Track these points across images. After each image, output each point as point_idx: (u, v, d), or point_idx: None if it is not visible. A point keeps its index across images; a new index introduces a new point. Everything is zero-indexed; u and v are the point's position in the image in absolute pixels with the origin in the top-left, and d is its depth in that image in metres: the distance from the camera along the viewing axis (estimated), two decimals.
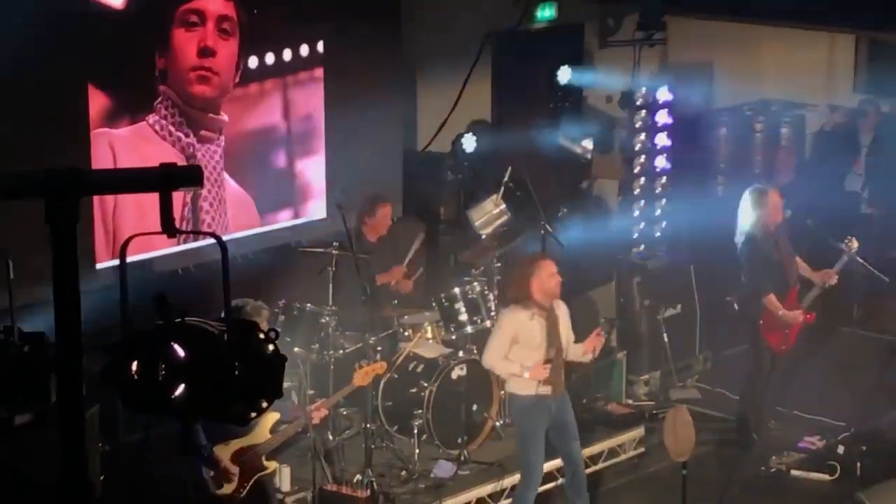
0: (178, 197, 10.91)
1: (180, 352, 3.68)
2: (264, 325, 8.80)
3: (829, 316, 12.21)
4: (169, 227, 3.79)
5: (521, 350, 9.69)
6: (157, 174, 3.79)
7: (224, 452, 9.00)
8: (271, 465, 9.23)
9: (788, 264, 11.31)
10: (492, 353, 9.86)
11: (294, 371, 10.35)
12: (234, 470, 9.03)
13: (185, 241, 11.27)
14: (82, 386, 3.74)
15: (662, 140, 13.68)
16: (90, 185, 3.90)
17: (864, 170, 14.77)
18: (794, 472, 11.10)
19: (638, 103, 13.50)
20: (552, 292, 9.75)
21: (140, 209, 10.75)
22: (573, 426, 9.98)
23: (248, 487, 9.10)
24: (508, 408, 10.76)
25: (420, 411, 10.75)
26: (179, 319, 3.74)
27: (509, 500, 10.44)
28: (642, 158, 13.63)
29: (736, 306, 11.56)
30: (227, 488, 9.05)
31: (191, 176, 3.87)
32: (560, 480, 10.42)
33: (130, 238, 3.86)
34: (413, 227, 13.00)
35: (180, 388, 3.68)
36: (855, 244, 11.42)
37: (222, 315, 3.80)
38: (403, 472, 10.66)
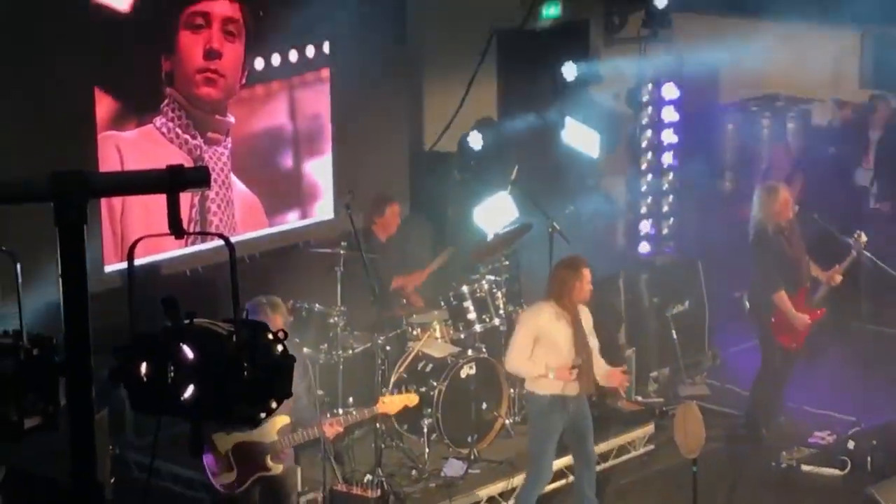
0: (186, 199, 10.88)
1: (189, 353, 3.68)
2: (282, 321, 8.81)
3: (837, 311, 12.20)
4: (177, 229, 3.79)
5: (542, 350, 9.63)
6: (165, 176, 3.79)
7: (225, 442, 8.97)
8: (276, 468, 9.15)
9: (800, 262, 11.27)
10: (515, 355, 9.79)
11: (304, 372, 10.34)
12: (230, 461, 9.00)
13: (193, 243, 11.29)
14: (91, 388, 3.75)
15: (669, 136, 13.69)
16: (97, 188, 3.90)
17: (873, 165, 14.74)
18: (804, 468, 11.08)
19: (644, 100, 13.50)
20: (585, 299, 9.76)
21: (148, 212, 10.77)
22: (590, 427, 9.95)
23: (247, 484, 9.05)
24: (525, 405, 10.69)
25: (430, 410, 10.75)
26: (188, 321, 3.74)
27: None
28: (649, 155, 13.64)
29: (747, 304, 11.54)
30: (226, 477, 9.02)
31: (198, 177, 3.87)
32: (570, 478, 10.41)
33: (138, 240, 3.86)
34: (423, 226, 13.03)
35: (189, 390, 3.68)
36: (864, 238, 11.40)
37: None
38: (414, 472, 10.65)
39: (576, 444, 10.00)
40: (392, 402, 9.87)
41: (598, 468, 10.45)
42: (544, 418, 9.81)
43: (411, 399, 10.02)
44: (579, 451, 10.03)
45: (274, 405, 3.78)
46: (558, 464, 10.29)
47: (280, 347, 3.76)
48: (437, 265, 11.93)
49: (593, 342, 9.91)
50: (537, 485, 9.96)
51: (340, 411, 10.49)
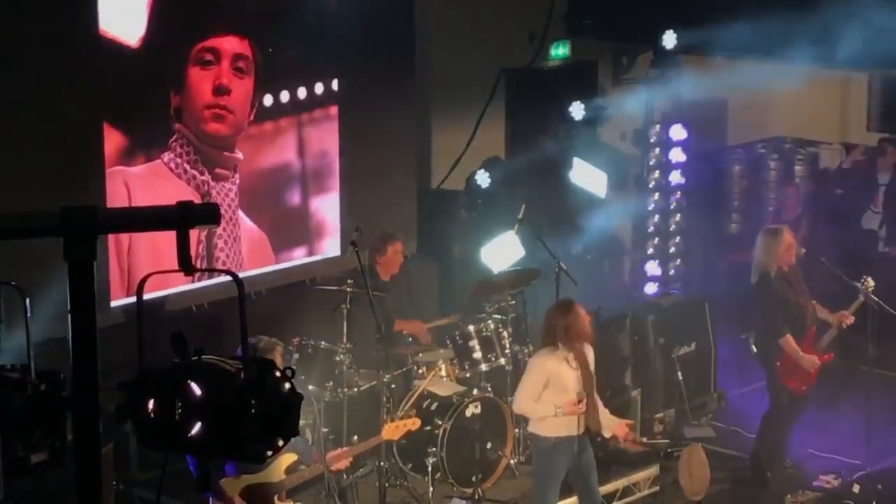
0: (193, 235, 10.87)
1: (197, 390, 3.67)
2: (278, 362, 8.82)
3: (844, 355, 12.17)
4: (186, 265, 3.79)
5: (552, 394, 9.60)
6: (175, 212, 3.79)
7: (233, 488, 8.96)
8: None
9: (804, 305, 11.25)
10: (524, 397, 9.72)
11: (309, 409, 10.33)
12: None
13: (199, 279, 11.29)
14: (99, 424, 3.74)
15: (676, 177, 13.69)
16: (107, 223, 3.90)
17: (882, 208, 14.74)
18: None
19: (651, 140, 13.52)
20: (588, 333, 9.73)
21: (155, 247, 10.77)
22: (594, 466, 9.91)
23: None
24: (530, 448, 10.66)
25: (434, 449, 10.72)
26: (196, 357, 3.73)
27: None
28: (656, 196, 13.64)
29: (753, 348, 11.51)
30: None
31: (208, 214, 3.87)
32: None
33: (148, 276, 3.86)
34: (428, 267, 13.03)
35: (196, 427, 3.67)
36: (871, 283, 11.37)
37: (238, 352, 3.79)
38: None
39: (581, 485, 9.96)
40: (395, 428, 9.88)
41: None
42: (548, 459, 9.78)
43: (414, 423, 10.04)
44: (584, 492, 9.99)
45: (281, 443, 3.77)
46: None
47: (288, 385, 3.75)
48: (438, 324, 11.94)
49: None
50: None
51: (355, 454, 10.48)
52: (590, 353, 9.80)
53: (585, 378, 9.60)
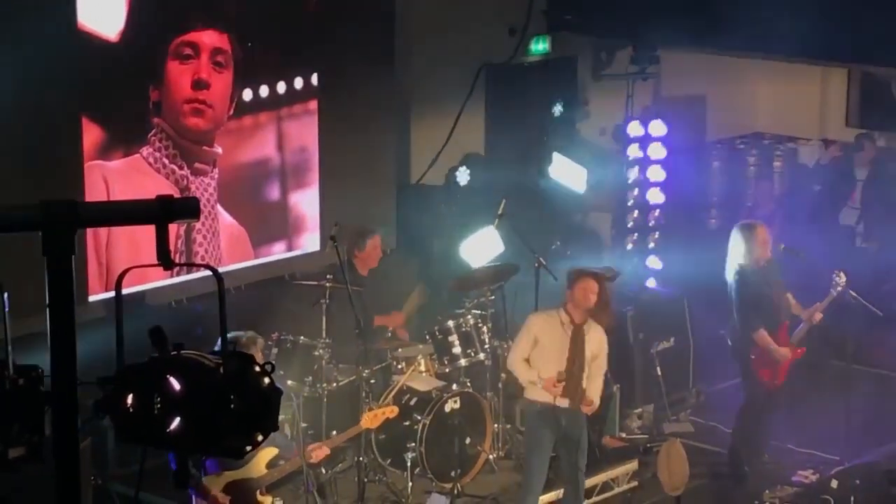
0: (172, 229, 10.85)
1: (176, 385, 3.66)
2: (259, 357, 8.83)
3: (822, 349, 12.20)
4: (165, 259, 3.78)
5: (540, 352, 9.76)
6: (155, 206, 3.78)
7: (215, 484, 8.95)
8: (266, 501, 9.16)
9: (778, 300, 11.28)
10: (516, 354, 9.95)
11: (287, 404, 10.32)
12: (225, 499, 8.97)
13: (178, 274, 11.25)
14: (77, 419, 3.73)
15: (655, 173, 13.70)
16: (87, 218, 3.88)
17: (860, 203, 14.78)
18: None
19: (631, 136, 13.53)
20: (582, 305, 9.80)
21: (133, 242, 10.74)
22: (583, 443, 9.99)
23: None
24: (522, 415, 10.78)
25: (413, 444, 10.72)
26: (175, 352, 3.72)
27: None
28: (635, 191, 13.65)
29: (729, 342, 11.54)
30: None
31: (188, 208, 3.86)
32: None
33: (127, 270, 3.84)
34: (406, 261, 13.02)
35: (176, 422, 3.66)
36: (843, 278, 11.38)
37: (216, 347, 3.78)
38: None
39: (565, 454, 10.05)
40: (374, 416, 9.92)
41: None
42: (533, 424, 10.00)
43: (392, 410, 10.09)
44: (567, 461, 10.07)
45: (260, 438, 3.76)
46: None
47: (267, 380, 3.74)
48: (411, 306, 11.94)
49: (599, 364, 9.91)
50: (530, 492, 10.00)
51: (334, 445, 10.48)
52: (598, 334, 9.85)
53: (573, 351, 9.65)
